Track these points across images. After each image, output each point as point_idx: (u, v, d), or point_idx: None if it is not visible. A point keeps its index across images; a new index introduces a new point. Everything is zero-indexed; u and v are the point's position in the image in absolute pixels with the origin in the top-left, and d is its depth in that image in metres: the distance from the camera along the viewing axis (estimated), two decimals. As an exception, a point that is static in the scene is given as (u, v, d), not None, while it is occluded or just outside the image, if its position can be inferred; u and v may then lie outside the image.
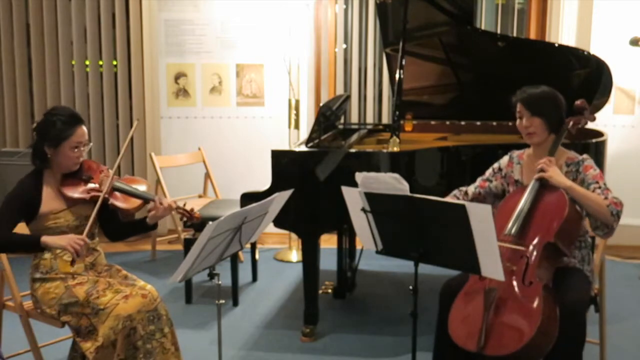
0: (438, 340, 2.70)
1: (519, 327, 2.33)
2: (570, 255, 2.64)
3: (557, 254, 2.56)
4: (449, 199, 2.86)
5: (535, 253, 2.49)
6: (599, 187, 2.59)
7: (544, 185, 2.62)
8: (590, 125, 2.99)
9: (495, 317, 2.37)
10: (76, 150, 2.69)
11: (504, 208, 2.70)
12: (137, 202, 2.78)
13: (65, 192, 2.70)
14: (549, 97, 2.75)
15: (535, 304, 2.34)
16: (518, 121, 2.77)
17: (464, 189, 2.92)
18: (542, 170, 2.61)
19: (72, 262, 2.61)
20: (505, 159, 2.90)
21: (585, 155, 2.74)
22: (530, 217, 2.58)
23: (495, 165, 2.92)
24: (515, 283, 2.44)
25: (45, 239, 2.55)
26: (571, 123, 2.79)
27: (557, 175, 2.59)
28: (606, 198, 2.55)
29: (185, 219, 2.81)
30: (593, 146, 3.53)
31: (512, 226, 2.57)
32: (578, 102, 2.87)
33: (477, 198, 2.87)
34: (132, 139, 5.48)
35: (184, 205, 2.80)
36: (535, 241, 2.52)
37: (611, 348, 3.17)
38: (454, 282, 2.66)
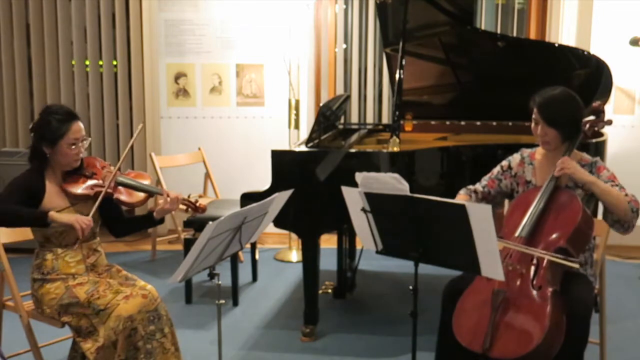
0: (440, 340, 2.67)
1: (527, 331, 2.30)
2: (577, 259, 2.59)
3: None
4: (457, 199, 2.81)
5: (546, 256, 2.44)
6: (616, 186, 2.57)
7: (559, 188, 2.57)
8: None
9: (502, 320, 2.35)
10: (74, 147, 2.67)
11: (516, 208, 2.63)
12: (141, 195, 2.79)
13: (67, 189, 2.69)
14: (568, 107, 2.62)
15: (544, 309, 2.32)
16: (533, 125, 2.67)
17: (472, 187, 2.83)
18: (562, 168, 2.53)
19: (76, 241, 2.62)
20: (516, 158, 2.81)
21: (597, 158, 2.70)
22: (543, 219, 2.53)
23: (505, 163, 2.82)
24: (524, 286, 2.41)
25: (53, 214, 2.56)
26: (587, 126, 2.74)
27: (579, 170, 2.54)
28: (626, 195, 2.53)
29: (190, 210, 2.86)
30: (593, 146, 3.53)
31: (523, 228, 2.52)
32: (595, 104, 2.80)
33: (487, 198, 2.80)
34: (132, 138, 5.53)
35: (189, 196, 2.84)
36: (546, 245, 2.47)
37: (611, 348, 3.17)
38: (456, 283, 2.63)
